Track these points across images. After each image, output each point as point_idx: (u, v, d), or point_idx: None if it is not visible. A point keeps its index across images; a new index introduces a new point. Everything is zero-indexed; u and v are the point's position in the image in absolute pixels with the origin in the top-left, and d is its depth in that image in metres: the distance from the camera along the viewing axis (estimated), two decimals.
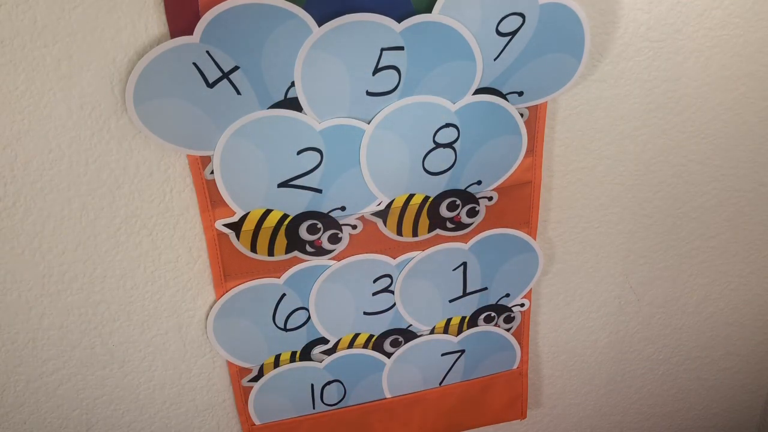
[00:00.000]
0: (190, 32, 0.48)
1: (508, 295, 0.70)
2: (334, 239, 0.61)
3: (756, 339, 0.89)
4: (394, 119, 0.55)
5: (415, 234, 0.63)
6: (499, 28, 0.53)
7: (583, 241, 0.72)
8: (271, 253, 0.60)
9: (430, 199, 0.61)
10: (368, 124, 0.55)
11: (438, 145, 0.58)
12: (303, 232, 0.60)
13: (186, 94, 0.50)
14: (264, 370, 0.66)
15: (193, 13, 0.48)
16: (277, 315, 0.63)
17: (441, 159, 0.59)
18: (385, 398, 0.72)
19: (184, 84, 0.50)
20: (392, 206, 0.61)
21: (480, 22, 0.53)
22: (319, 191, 0.58)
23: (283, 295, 0.63)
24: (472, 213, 0.63)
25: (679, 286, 0.80)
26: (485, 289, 0.68)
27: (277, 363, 0.67)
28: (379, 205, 0.60)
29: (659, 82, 0.64)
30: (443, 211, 0.62)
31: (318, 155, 0.56)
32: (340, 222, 0.60)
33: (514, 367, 0.75)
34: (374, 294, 0.65)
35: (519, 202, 0.64)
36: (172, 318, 0.63)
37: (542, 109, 0.60)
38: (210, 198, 0.56)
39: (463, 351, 0.72)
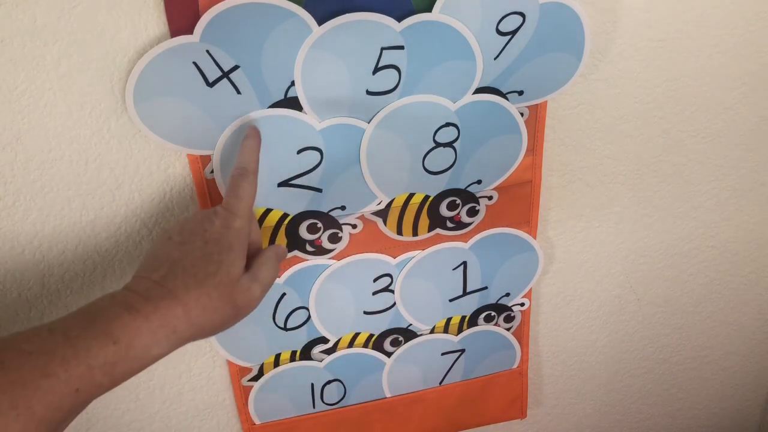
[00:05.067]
0: (190, 31, 0.48)
1: (508, 295, 0.70)
2: (334, 238, 0.61)
3: (756, 339, 0.89)
4: (394, 118, 0.55)
5: (415, 233, 0.63)
6: (500, 28, 0.53)
7: (583, 241, 0.72)
8: None
9: (430, 199, 0.61)
10: (368, 123, 0.55)
11: (438, 145, 0.58)
12: (303, 232, 0.60)
13: (186, 94, 0.50)
14: (264, 369, 0.66)
15: (193, 13, 0.48)
16: (277, 314, 0.63)
17: (441, 158, 0.59)
18: (385, 398, 0.72)
19: (184, 83, 0.50)
20: (392, 205, 0.61)
21: (480, 22, 0.53)
22: (319, 190, 0.58)
23: (283, 294, 0.63)
24: (472, 212, 0.63)
25: (679, 286, 0.80)
26: (485, 288, 0.68)
27: (277, 362, 0.67)
28: (379, 204, 0.60)
29: (659, 81, 0.64)
30: (443, 210, 0.62)
31: (318, 154, 0.56)
32: (340, 221, 0.60)
33: (515, 366, 0.75)
34: (374, 293, 0.65)
35: (519, 201, 0.64)
36: None
37: (542, 109, 0.60)
38: (210, 197, 0.56)
39: (463, 350, 0.72)
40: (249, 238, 0.49)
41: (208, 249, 0.46)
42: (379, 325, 0.67)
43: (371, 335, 0.68)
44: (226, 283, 0.45)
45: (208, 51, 0.49)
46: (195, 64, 0.49)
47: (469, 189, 0.62)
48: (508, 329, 0.73)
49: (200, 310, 0.44)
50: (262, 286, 0.48)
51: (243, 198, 0.49)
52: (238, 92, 0.51)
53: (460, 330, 0.70)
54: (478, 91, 0.56)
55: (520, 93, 0.58)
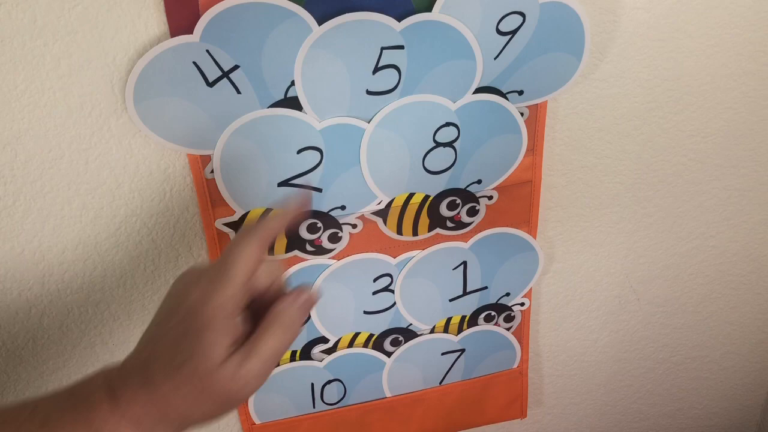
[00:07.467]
0: (190, 31, 0.48)
1: (508, 294, 0.70)
2: (334, 238, 0.61)
3: (756, 338, 0.89)
4: (394, 118, 0.55)
5: (415, 233, 0.63)
6: (500, 27, 0.53)
7: (583, 241, 0.72)
8: (270, 252, 0.60)
9: (430, 198, 0.61)
10: (368, 123, 0.55)
11: (438, 144, 0.58)
12: (303, 231, 0.60)
13: (186, 93, 0.50)
14: None
15: (193, 12, 0.48)
16: None
17: (441, 158, 0.59)
18: (385, 397, 0.72)
19: (184, 83, 0.50)
20: (392, 205, 0.61)
21: (480, 21, 0.53)
22: (319, 190, 0.58)
23: None
24: (472, 212, 0.63)
25: (679, 285, 0.80)
26: (485, 288, 0.68)
27: (277, 362, 0.66)
28: (379, 204, 0.60)
29: (659, 81, 0.64)
30: (443, 210, 0.62)
31: (318, 154, 0.56)
32: (340, 221, 0.60)
33: (515, 366, 0.75)
34: (374, 293, 0.65)
35: (519, 201, 0.64)
36: None
37: (542, 108, 0.60)
38: (210, 197, 0.56)
39: (463, 350, 0.72)
40: (241, 307, 0.40)
41: (184, 327, 0.38)
42: (379, 324, 0.67)
43: (371, 335, 0.68)
44: (203, 371, 0.37)
45: (208, 51, 0.49)
46: (195, 63, 0.49)
47: (469, 189, 0.62)
48: (508, 329, 0.73)
49: (181, 400, 0.37)
50: (263, 362, 0.39)
51: (237, 260, 0.40)
52: (238, 92, 0.51)
53: (460, 330, 0.70)
54: (478, 90, 0.56)
55: (520, 93, 0.58)
